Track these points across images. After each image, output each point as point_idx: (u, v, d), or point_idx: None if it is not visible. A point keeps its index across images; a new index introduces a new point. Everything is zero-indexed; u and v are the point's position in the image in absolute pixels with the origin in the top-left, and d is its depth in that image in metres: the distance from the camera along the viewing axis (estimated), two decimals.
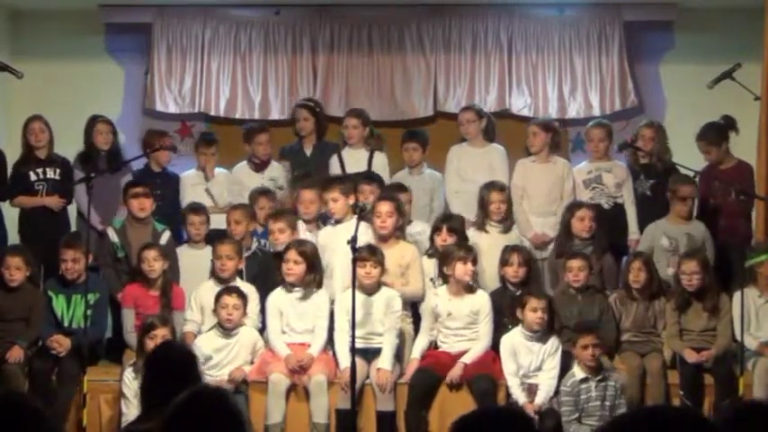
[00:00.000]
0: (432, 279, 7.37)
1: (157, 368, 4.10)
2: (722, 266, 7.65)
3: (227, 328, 6.97)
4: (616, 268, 7.71)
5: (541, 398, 6.76)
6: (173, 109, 9.26)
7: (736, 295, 7.02)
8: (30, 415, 2.75)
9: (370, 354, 6.93)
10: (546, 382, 6.79)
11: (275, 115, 9.20)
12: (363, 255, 6.83)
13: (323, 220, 7.64)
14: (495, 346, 6.97)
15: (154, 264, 7.24)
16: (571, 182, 8.09)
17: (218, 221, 7.85)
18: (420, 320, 7.21)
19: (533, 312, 6.83)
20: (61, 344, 7.08)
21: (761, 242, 7.64)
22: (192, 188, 8.24)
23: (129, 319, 7.24)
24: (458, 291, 7.08)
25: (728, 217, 7.92)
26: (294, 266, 7.02)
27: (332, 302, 7.06)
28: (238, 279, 7.32)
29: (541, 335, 6.86)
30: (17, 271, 7.20)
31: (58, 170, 8.08)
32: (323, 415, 6.77)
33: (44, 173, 8.06)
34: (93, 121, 8.24)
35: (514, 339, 6.88)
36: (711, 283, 7.24)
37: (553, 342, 6.88)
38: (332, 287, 7.17)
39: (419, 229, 7.75)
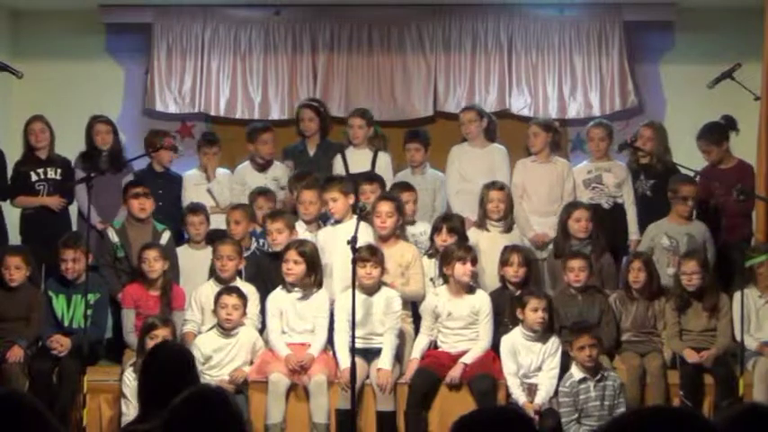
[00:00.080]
0: (432, 279, 7.37)
1: (153, 369, 4.10)
2: (722, 266, 7.65)
3: (226, 329, 6.97)
4: (615, 268, 7.71)
5: (541, 398, 6.76)
6: (173, 109, 9.26)
7: (737, 295, 7.02)
8: (30, 415, 2.75)
9: (371, 354, 6.93)
10: (546, 382, 6.78)
11: (275, 115, 9.19)
12: (364, 255, 6.83)
13: (323, 220, 7.63)
14: (495, 347, 6.97)
15: (154, 264, 7.24)
16: (571, 182, 8.09)
17: (219, 221, 7.85)
18: (420, 320, 7.21)
19: (534, 312, 6.82)
20: (61, 344, 7.08)
21: (761, 242, 7.64)
22: (194, 188, 8.23)
23: (130, 320, 7.24)
24: (458, 291, 7.08)
25: (729, 217, 7.92)
26: (294, 266, 7.01)
27: (332, 302, 7.06)
28: (238, 279, 7.32)
29: (541, 335, 6.85)
30: (17, 271, 7.20)
31: (58, 170, 8.10)
32: (323, 415, 6.77)
33: (45, 173, 8.07)
34: (93, 121, 8.24)
35: (514, 339, 6.87)
36: (711, 283, 7.25)
37: (553, 342, 6.88)
38: (331, 287, 7.17)
39: (422, 229, 7.73)
